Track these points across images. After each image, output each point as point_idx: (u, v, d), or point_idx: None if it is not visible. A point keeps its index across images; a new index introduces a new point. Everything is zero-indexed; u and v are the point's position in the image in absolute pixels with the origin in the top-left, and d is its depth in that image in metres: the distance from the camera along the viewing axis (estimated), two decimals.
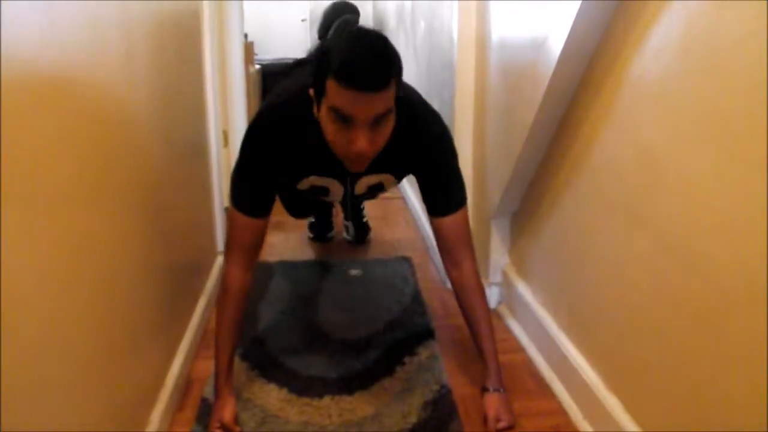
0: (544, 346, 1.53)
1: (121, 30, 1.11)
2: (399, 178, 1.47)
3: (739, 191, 0.82)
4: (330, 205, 1.51)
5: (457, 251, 1.39)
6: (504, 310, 1.82)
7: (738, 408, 0.85)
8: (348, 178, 1.40)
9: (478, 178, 1.85)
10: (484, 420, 1.32)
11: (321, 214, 2.42)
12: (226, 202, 2.04)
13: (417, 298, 1.93)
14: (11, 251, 0.68)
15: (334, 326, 1.75)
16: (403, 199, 3.05)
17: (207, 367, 1.51)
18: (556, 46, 1.19)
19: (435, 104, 2.21)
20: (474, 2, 1.77)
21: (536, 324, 1.56)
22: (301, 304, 1.89)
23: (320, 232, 2.47)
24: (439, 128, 1.35)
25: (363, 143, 1.08)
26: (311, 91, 1.16)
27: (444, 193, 1.37)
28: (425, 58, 2.46)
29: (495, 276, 1.84)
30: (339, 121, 1.09)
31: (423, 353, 1.59)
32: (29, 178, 0.74)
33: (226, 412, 1.28)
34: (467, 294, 1.40)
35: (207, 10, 1.98)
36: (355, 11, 4.08)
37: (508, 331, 1.73)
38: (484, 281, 1.43)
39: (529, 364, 1.57)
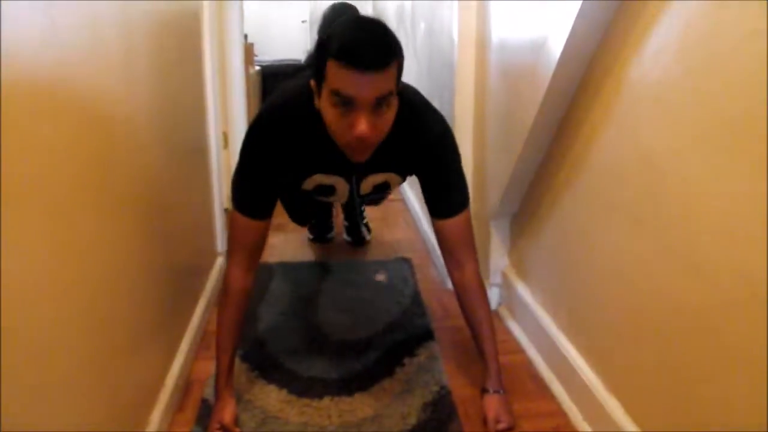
0: (544, 347, 1.53)
1: (121, 31, 1.11)
2: (404, 178, 1.46)
3: (739, 193, 0.82)
4: (331, 205, 1.50)
5: (460, 253, 1.39)
6: (504, 312, 1.82)
7: (738, 409, 0.85)
8: (353, 176, 1.39)
9: (477, 179, 1.85)
10: (484, 421, 1.32)
11: (321, 215, 2.42)
12: (226, 204, 2.05)
13: (417, 299, 1.93)
14: (11, 252, 0.68)
15: (334, 327, 1.75)
16: (403, 200, 3.05)
17: (207, 367, 1.51)
18: (556, 47, 1.19)
19: (435, 105, 2.21)
20: (474, 3, 1.77)
21: (536, 325, 1.56)
22: (301, 306, 1.89)
23: (320, 233, 2.47)
24: (442, 127, 1.34)
25: (364, 126, 1.07)
26: (312, 83, 1.16)
27: (447, 195, 1.36)
28: (425, 59, 2.46)
29: (495, 277, 1.84)
30: (340, 105, 1.08)
31: (423, 354, 1.59)
32: (29, 179, 0.74)
33: (226, 413, 1.28)
34: (469, 295, 1.40)
35: (207, 11, 1.98)
36: (354, 13, 4.08)
37: (507, 332, 1.73)
38: (483, 282, 1.43)
39: (528, 365, 1.57)
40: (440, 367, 1.53)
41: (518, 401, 1.40)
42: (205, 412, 1.34)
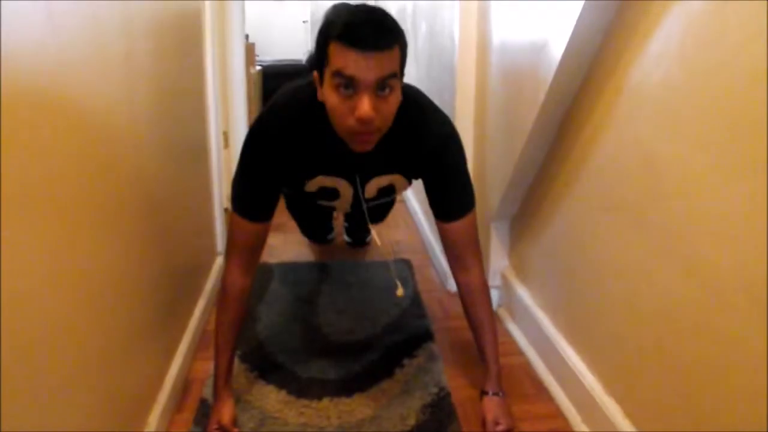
0: (543, 349, 1.52)
1: (122, 30, 1.11)
2: (409, 179, 1.44)
3: (740, 196, 0.82)
4: (333, 209, 1.47)
5: (465, 256, 1.38)
6: (503, 314, 1.82)
7: (738, 412, 0.85)
8: (357, 177, 1.36)
9: (478, 181, 1.85)
10: (483, 423, 1.32)
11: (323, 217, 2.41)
12: (226, 204, 2.05)
13: (416, 300, 1.93)
14: (11, 252, 0.68)
15: (333, 328, 1.75)
16: (403, 201, 3.05)
17: (206, 368, 1.51)
18: (557, 49, 1.19)
19: None
20: (475, 5, 1.77)
21: (535, 327, 1.56)
22: (300, 306, 1.89)
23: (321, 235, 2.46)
24: (449, 128, 1.33)
25: (367, 106, 1.05)
26: (314, 74, 1.15)
27: (452, 197, 1.35)
28: (426, 60, 2.46)
29: (494, 279, 1.84)
30: (342, 88, 1.06)
31: (422, 356, 1.59)
32: (29, 179, 0.74)
33: (225, 413, 1.28)
34: (473, 297, 1.39)
35: (208, 11, 1.98)
36: None
37: (507, 334, 1.73)
38: (488, 285, 1.42)
39: (527, 367, 1.57)
40: (439, 369, 1.53)
41: (517, 403, 1.40)
42: (204, 412, 1.34)
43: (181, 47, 1.63)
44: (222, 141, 2.24)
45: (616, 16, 1.11)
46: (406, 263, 2.24)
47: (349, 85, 1.05)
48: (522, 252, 1.73)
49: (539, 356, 1.55)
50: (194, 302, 1.70)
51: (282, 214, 1.91)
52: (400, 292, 1.47)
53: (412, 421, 1.33)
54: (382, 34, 1.05)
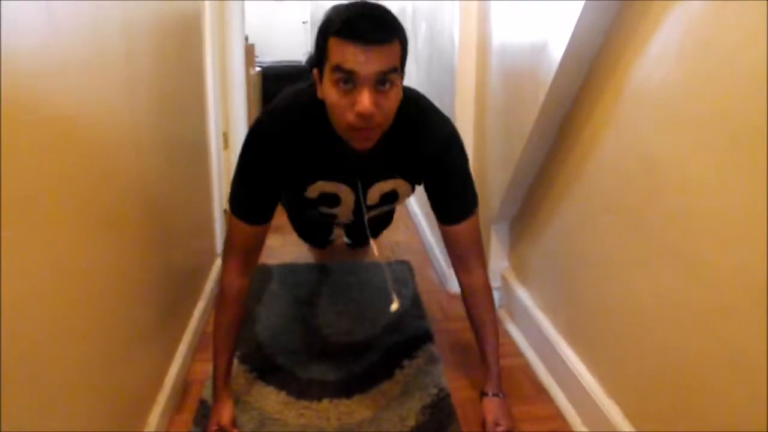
0: (543, 350, 1.52)
1: (123, 31, 1.11)
2: (412, 184, 1.40)
3: (740, 196, 0.82)
4: (334, 217, 1.44)
5: (468, 257, 1.37)
6: (503, 315, 1.82)
7: (738, 413, 0.85)
8: (358, 182, 1.34)
9: (478, 182, 1.84)
10: (483, 424, 1.32)
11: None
12: (226, 205, 2.04)
13: (416, 301, 1.93)
14: (11, 252, 0.68)
15: (333, 329, 1.75)
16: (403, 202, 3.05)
17: (205, 369, 1.51)
18: (557, 50, 1.19)
19: None
20: (475, 6, 1.77)
21: (535, 329, 1.56)
22: (300, 307, 1.89)
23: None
24: (450, 130, 1.32)
25: (366, 101, 1.03)
26: (314, 72, 1.14)
27: (454, 200, 1.34)
28: (426, 62, 2.46)
29: (494, 280, 1.84)
30: (342, 83, 1.04)
31: (422, 357, 1.59)
32: (29, 180, 0.74)
33: (225, 414, 1.28)
34: (476, 298, 1.39)
35: (208, 12, 1.98)
36: None
37: (506, 335, 1.73)
38: (491, 286, 1.42)
39: (527, 368, 1.57)
40: (439, 370, 1.53)
41: (517, 404, 1.40)
42: (204, 413, 1.34)
43: (180, 48, 1.63)
44: (222, 142, 2.24)
45: (615, 18, 1.11)
46: (406, 264, 2.24)
47: (348, 79, 1.04)
48: (522, 253, 1.73)
49: (539, 357, 1.55)
50: (194, 303, 1.70)
51: (282, 216, 1.91)
52: (394, 306, 1.43)
53: (411, 422, 1.33)
54: (382, 28, 1.04)
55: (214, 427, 1.26)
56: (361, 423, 1.33)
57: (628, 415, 1.14)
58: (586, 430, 1.28)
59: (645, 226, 1.05)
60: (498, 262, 1.83)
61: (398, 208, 2.98)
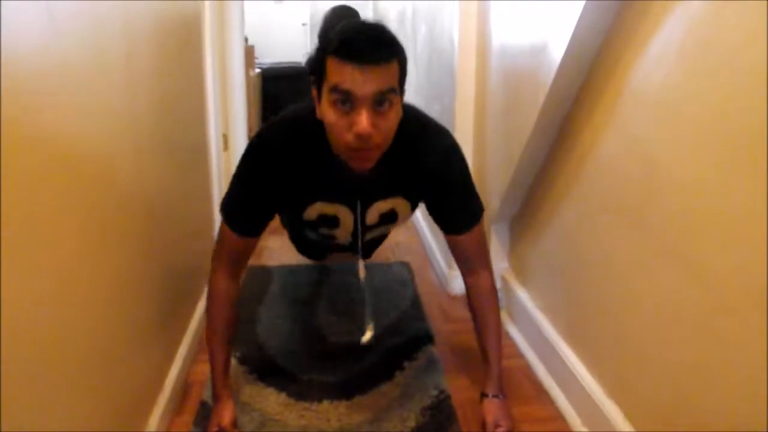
0: (543, 351, 1.52)
1: (123, 32, 1.11)
2: (412, 203, 1.38)
3: (740, 197, 0.82)
4: (333, 238, 1.43)
5: (475, 262, 1.38)
6: (503, 316, 1.81)
7: (739, 415, 0.85)
8: (358, 202, 1.32)
9: (478, 184, 1.84)
10: (483, 425, 1.32)
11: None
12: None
13: (416, 302, 1.93)
14: (12, 252, 0.68)
15: (333, 330, 1.74)
16: None
17: (206, 370, 1.50)
18: (557, 51, 1.19)
19: (435, 109, 2.22)
20: (475, 7, 1.77)
21: (535, 330, 1.56)
22: (300, 309, 1.89)
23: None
24: (449, 142, 1.31)
25: (364, 122, 1.02)
26: (313, 92, 1.13)
27: (459, 211, 1.33)
28: (426, 63, 2.46)
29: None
30: (340, 104, 1.04)
31: (422, 358, 1.59)
32: (29, 178, 0.74)
33: (225, 415, 1.27)
34: (481, 300, 1.39)
35: (208, 14, 1.99)
36: (355, 16, 4.08)
37: (507, 336, 1.73)
38: (496, 288, 1.42)
39: (527, 369, 1.57)
40: (439, 371, 1.53)
41: (517, 405, 1.40)
42: (204, 414, 1.34)
43: (180, 50, 1.63)
44: (221, 143, 2.24)
45: (615, 18, 1.11)
46: (406, 266, 2.24)
47: (346, 100, 1.03)
48: (522, 254, 1.73)
49: (539, 358, 1.55)
50: (194, 305, 1.70)
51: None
52: (366, 336, 1.39)
53: (411, 424, 1.33)
54: (380, 48, 1.03)
55: (215, 428, 1.26)
56: (361, 424, 1.33)
57: (629, 415, 1.14)
58: (586, 430, 1.28)
59: (645, 227, 1.05)
60: (498, 262, 1.83)
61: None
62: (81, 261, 0.89)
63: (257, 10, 4.79)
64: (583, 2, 1.07)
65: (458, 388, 1.47)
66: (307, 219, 1.36)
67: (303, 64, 4.13)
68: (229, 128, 2.65)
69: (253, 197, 1.25)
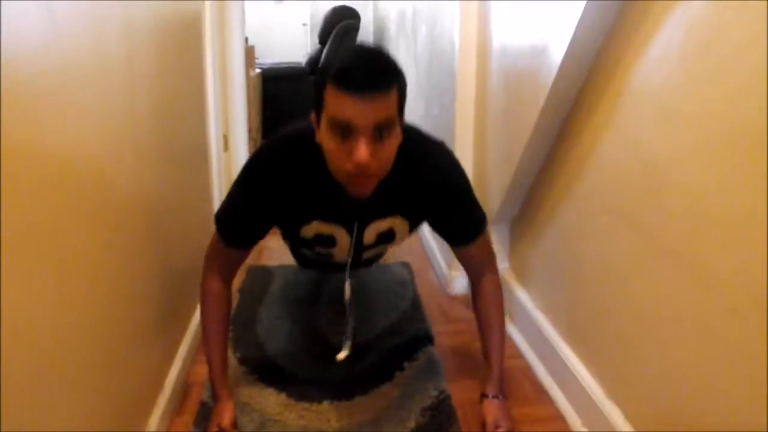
0: (543, 352, 1.52)
1: (124, 33, 1.11)
2: (411, 222, 1.37)
3: (740, 199, 0.82)
4: (330, 256, 1.45)
5: (482, 267, 1.39)
6: None
7: (739, 416, 0.85)
8: (355, 224, 1.31)
9: (478, 184, 1.85)
10: (483, 426, 1.32)
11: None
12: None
13: (416, 303, 1.93)
14: (12, 252, 0.68)
15: (333, 330, 1.74)
16: None
17: (206, 370, 1.50)
18: (557, 52, 1.19)
19: (435, 110, 2.21)
20: (475, 8, 1.77)
21: (535, 330, 1.56)
22: (299, 309, 1.89)
23: None
24: (448, 159, 1.30)
25: (363, 152, 1.01)
26: (312, 116, 1.12)
27: (464, 224, 1.33)
28: (426, 64, 2.46)
29: None
30: (339, 134, 1.03)
31: (422, 358, 1.59)
32: (29, 179, 0.74)
33: (225, 416, 1.27)
34: (486, 301, 1.39)
35: (208, 14, 1.99)
36: (355, 16, 4.09)
37: (507, 337, 1.72)
38: (502, 290, 1.43)
39: (527, 370, 1.57)
40: (439, 372, 1.53)
41: (517, 406, 1.40)
42: (205, 415, 1.34)
43: (181, 50, 1.63)
44: (222, 143, 2.24)
45: (616, 19, 1.11)
46: (406, 266, 2.24)
47: (345, 130, 1.03)
48: (522, 254, 1.73)
49: (539, 359, 1.55)
50: (194, 305, 1.69)
51: None
52: (342, 354, 1.38)
53: (412, 424, 1.33)
54: (379, 78, 1.01)
55: (215, 429, 1.26)
56: (361, 424, 1.33)
57: (629, 416, 1.14)
58: (586, 431, 1.28)
59: (645, 228, 1.05)
60: (498, 262, 1.82)
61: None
62: (81, 261, 0.89)
63: (257, 11, 4.80)
64: (584, 3, 1.07)
65: (458, 389, 1.47)
66: (303, 237, 1.36)
67: (303, 65, 4.13)
68: (229, 128, 2.65)
69: (248, 212, 1.26)
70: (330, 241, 1.36)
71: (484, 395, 1.36)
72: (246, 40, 3.12)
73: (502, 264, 1.83)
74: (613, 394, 1.21)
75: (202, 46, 1.95)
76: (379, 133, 1.04)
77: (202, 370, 1.53)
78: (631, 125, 1.09)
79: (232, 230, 1.28)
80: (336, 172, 1.11)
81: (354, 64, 1.01)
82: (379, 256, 1.74)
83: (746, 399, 0.83)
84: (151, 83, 1.29)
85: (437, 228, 1.37)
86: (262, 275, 2.12)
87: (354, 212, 1.27)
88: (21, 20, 0.71)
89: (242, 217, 1.27)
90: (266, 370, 1.53)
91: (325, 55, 3.61)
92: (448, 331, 1.77)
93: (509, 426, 1.30)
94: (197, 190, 1.82)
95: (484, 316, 1.40)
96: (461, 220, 1.33)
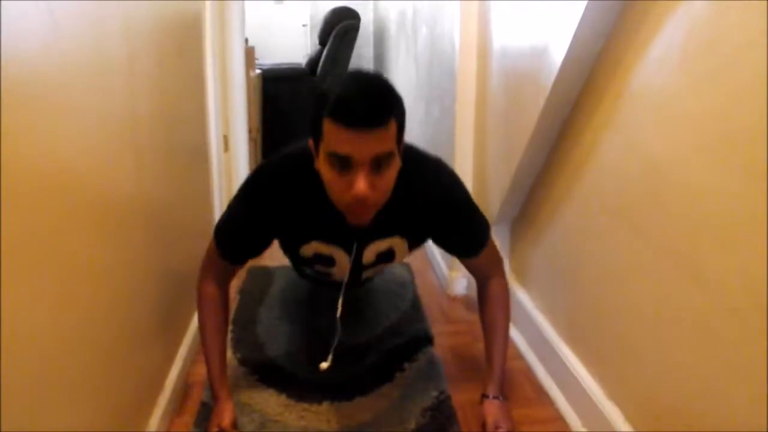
0: (544, 353, 1.52)
1: (124, 33, 1.11)
2: (411, 242, 1.37)
3: (740, 199, 0.82)
4: (330, 275, 1.46)
5: (490, 272, 1.40)
6: None
7: (739, 417, 0.85)
8: (354, 245, 1.31)
9: (478, 185, 1.86)
10: (483, 426, 1.32)
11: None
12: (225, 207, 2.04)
13: (416, 304, 1.93)
14: (13, 253, 0.68)
15: (333, 331, 1.74)
16: None
17: (206, 370, 1.50)
18: (557, 53, 1.19)
19: (436, 111, 2.22)
20: (476, 9, 1.77)
21: (535, 331, 1.56)
22: (300, 310, 1.89)
23: None
24: (447, 174, 1.31)
25: (362, 186, 1.01)
26: (310, 142, 1.12)
27: (468, 237, 1.34)
28: (426, 65, 2.46)
29: None
30: (337, 166, 1.03)
31: (422, 359, 1.59)
32: (29, 179, 0.74)
33: (226, 416, 1.27)
34: (492, 304, 1.40)
35: (208, 15, 1.99)
36: (355, 17, 4.09)
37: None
38: (509, 293, 1.43)
39: (527, 371, 1.57)
40: (440, 372, 1.53)
41: (517, 407, 1.40)
42: (205, 415, 1.34)
43: (181, 50, 1.63)
44: (222, 144, 2.24)
45: (617, 20, 1.11)
46: (406, 267, 2.24)
47: (343, 163, 1.02)
48: (522, 255, 1.73)
49: (539, 360, 1.55)
50: (194, 306, 1.68)
51: None
52: (325, 364, 1.36)
53: (412, 425, 1.33)
54: (378, 111, 1.00)
55: (215, 429, 1.26)
56: (361, 425, 1.33)
57: (629, 416, 1.14)
58: (586, 431, 1.28)
59: (645, 229, 1.05)
60: None
61: None
62: (81, 261, 0.89)
63: (258, 11, 4.80)
64: (584, 4, 1.07)
65: (458, 389, 1.47)
66: (302, 256, 1.36)
67: (303, 66, 4.13)
68: (229, 129, 2.65)
69: (246, 230, 1.27)
70: (329, 260, 1.36)
71: (484, 396, 1.36)
72: (246, 40, 3.12)
73: None
74: (613, 395, 1.21)
75: (203, 46, 1.95)
76: (378, 165, 1.03)
77: (202, 371, 1.52)
78: (631, 126, 1.09)
79: (230, 246, 1.30)
80: (335, 202, 1.11)
81: (352, 97, 1.00)
82: (378, 273, 1.74)
83: (746, 399, 0.83)
84: (151, 84, 1.29)
85: (442, 244, 1.38)
86: (262, 276, 2.12)
87: (353, 233, 1.28)
88: (21, 20, 0.71)
89: (240, 234, 1.28)
90: (266, 371, 1.53)
91: (324, 56, 3.61)
92: (448, 331, 1.77)
93: (509, 427, 1.30)
94: (197, 191, 1.82)
95: (489, 318, 1.40)
96: (465, 234, 1.33)
